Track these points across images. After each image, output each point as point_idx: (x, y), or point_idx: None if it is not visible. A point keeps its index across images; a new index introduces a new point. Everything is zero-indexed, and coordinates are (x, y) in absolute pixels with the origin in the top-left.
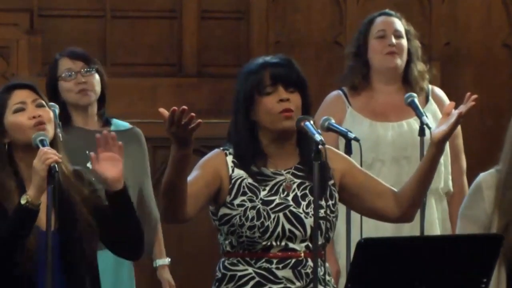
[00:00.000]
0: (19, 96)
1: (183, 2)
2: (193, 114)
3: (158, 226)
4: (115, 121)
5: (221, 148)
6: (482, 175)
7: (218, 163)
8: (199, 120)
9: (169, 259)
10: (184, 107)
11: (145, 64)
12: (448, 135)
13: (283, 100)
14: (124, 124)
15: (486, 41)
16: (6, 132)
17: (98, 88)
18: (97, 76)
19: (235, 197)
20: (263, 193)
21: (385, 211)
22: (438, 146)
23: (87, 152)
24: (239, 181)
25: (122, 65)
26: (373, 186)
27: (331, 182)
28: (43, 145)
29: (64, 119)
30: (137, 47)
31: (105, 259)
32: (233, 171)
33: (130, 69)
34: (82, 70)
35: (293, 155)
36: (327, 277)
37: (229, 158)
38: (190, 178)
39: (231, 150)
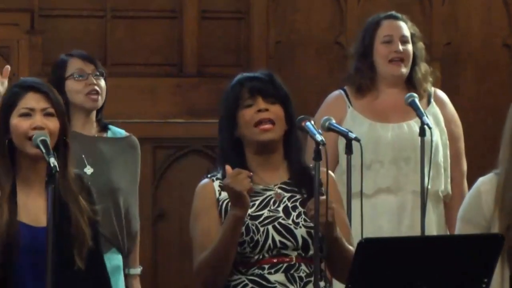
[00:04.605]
0: (31, 100)
1: (183, 2)
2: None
3: (137, 236)
4: (112, 127)
5: (209, 176)
6: (481, 180)
7: (209, 198)
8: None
9: (141, 268)
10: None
11: (145, 64)
12: (324, 225)
13: (261, 111)
14: (121, 132)
15: (487, 41)
16: (9, 131)
17: (104, 93)
18: (104, 81)
19: (224, 218)
20: (250, 210)
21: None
22: (328, 234)
23: (83, 156)
24: (225, 203)
25: (122, 65)
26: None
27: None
28: (44, 145)
29: None
30: (137, 47)
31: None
32: (220, 194)
33: (130, 69)
34: (93, 73)
35: (281, 168)
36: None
37: (216, 184)
38: (208, 229)
39: (219, 175)
